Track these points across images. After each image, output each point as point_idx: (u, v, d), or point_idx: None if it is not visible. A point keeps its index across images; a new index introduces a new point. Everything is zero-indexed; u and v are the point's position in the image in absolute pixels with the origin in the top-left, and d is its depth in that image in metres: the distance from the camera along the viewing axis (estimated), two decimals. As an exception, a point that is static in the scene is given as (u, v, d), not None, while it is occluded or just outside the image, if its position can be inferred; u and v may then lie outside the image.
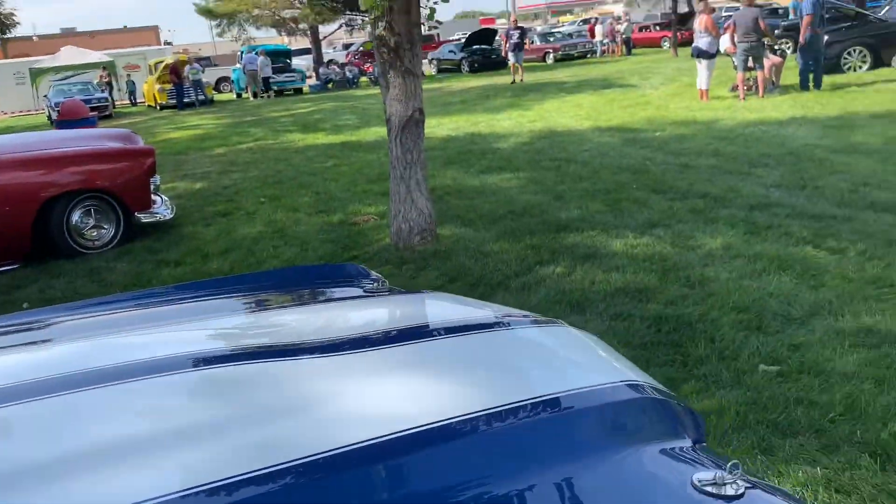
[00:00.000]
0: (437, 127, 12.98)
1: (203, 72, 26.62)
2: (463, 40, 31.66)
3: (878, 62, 13.95)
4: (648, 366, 3.40)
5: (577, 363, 1.62)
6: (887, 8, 15.91)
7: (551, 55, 30.15)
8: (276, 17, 30.86)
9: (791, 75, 13.03)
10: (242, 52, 28.50)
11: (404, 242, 5.58)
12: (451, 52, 31.24)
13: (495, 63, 27.26)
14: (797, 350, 3.40)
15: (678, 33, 25.49)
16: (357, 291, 2.35)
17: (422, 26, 5.44)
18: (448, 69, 30.58)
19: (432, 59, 32.77)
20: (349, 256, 5.64)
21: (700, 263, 4.69)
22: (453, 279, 4.90)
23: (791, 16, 17.65)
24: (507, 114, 13.91)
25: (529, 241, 5.53)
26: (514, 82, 20.40)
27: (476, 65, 28.68)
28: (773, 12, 26.17)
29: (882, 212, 5.37)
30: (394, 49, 5.24)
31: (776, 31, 17.67)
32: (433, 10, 5.58)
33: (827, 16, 13.61)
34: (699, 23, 12.55)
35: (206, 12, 31.17)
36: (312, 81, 29.02)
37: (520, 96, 16.89)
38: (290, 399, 1.42)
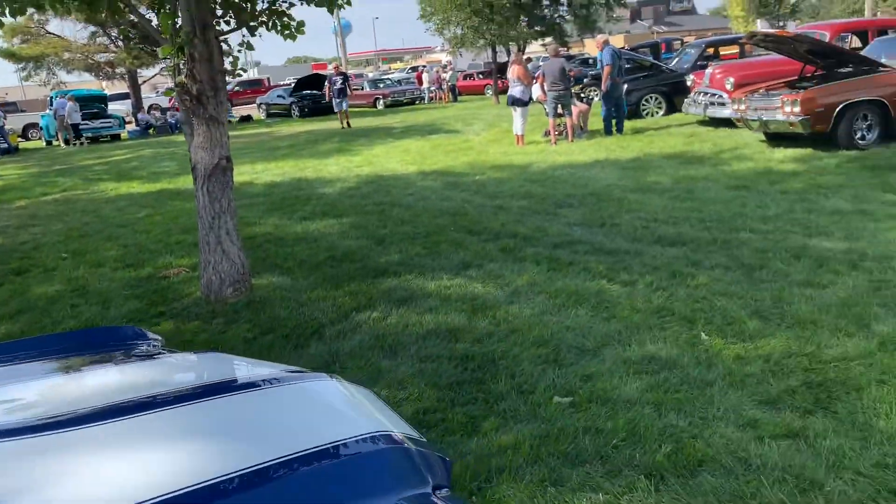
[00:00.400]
0: (263, 172, 12.76)
1: (5, 118, 24.56)
2: (293, 85, 31.49)
3: (672, 108, 15.40)
4: (453, 405, 3.48)
5: (331, 418, 1.62)
6: (677, 59, 17.69)
7: (381, 101, 30.69)
8: (90, 61, 29.17)
9: (598, 121, 14.06)
10: (53, 98, 26.61)
11: (216, 295, 5.38)
12: (280, 96, 30.95)
13: (326, 108, 27.29)
14: (588, 380, 3.61)
15: (499, 81, 26.84)
16: (127, 356, 2.23)
17: (226, 74, 5.35)
18: (278, 114, 30.26)
19: (261, 103, 32.35)
20: (156, 312, 5.35)
21: (507, 301, 4.89)
22: (266, 331, 4.77)
23: (599, 65, 19.15)
24: (334, 159, 13.93)
25: (348, 288, 5.52)
26: (343, 127, 20.53)
27: (306, 109, 28.58)
28: (585, 62, 28.30)
29: (668, 246, 5.87)
30: (196, 97, 5.11)
31: (585, 80, 19.14)
32: (237, 59, 5.51)
33: (627, 66, 14.91)
34: (512, 73, 13.29)
35: (9, 55, 28.86)
36: (132, 127, 27.61)
37: (348, 141, 17.00)
38: (23, 480, 1.32)
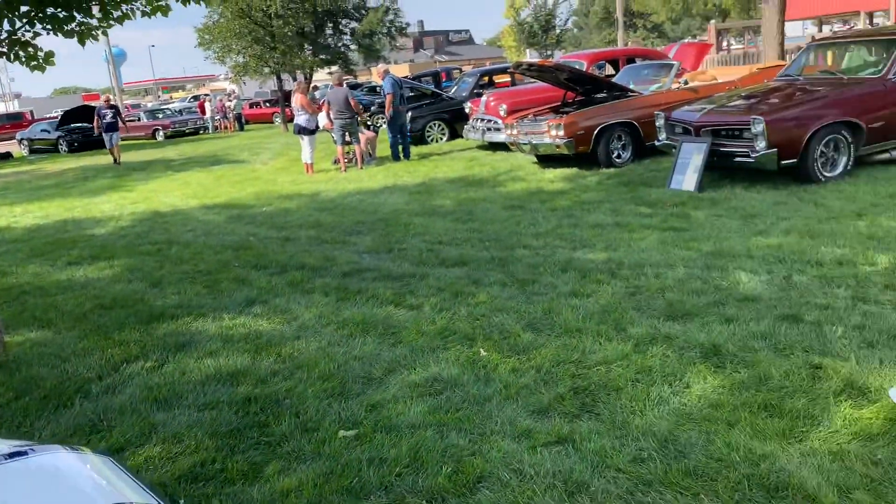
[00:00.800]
0: (24, 215, 11.57)
1: None
2: (60, 117, 28.93)
3: (454, 134, 16.06)
4: (233, 453, 3.32)
5: (62, 496, 1.46)
6: (455, 87, 18.51)
7: (161, 132, 29.10)
8: None
9: (386, 148, 14.30)
10: None
11: (-42, 359, 4.74)
12: (44, 130, 28.33)
13: (98, 142, 25.30)
14: (374, 410, 3.60)
15: (287, 109, 26.51)
16: None
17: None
18: (42, 149, 27.66)
19: (22, 139, 29.39)
20: None
21: (293, 336, 4.78)
22: (21, 394, 4.27)
23: (382, 94, 19.53)
24: (107, 196, 12.96)
25: (118, 337, 5.11)
26: (118, 162, 19.18)
27: (76, 144, 26.38)
28: (372, 90, 28.78)
29: (451, 266, 6.07)
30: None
31: (372, 108, 19.46)
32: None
33: (410, 94, 15.33)
34: (295, 101, 13.19)
35: None
36: None
37: (123, 176, 15.90)
38: None
